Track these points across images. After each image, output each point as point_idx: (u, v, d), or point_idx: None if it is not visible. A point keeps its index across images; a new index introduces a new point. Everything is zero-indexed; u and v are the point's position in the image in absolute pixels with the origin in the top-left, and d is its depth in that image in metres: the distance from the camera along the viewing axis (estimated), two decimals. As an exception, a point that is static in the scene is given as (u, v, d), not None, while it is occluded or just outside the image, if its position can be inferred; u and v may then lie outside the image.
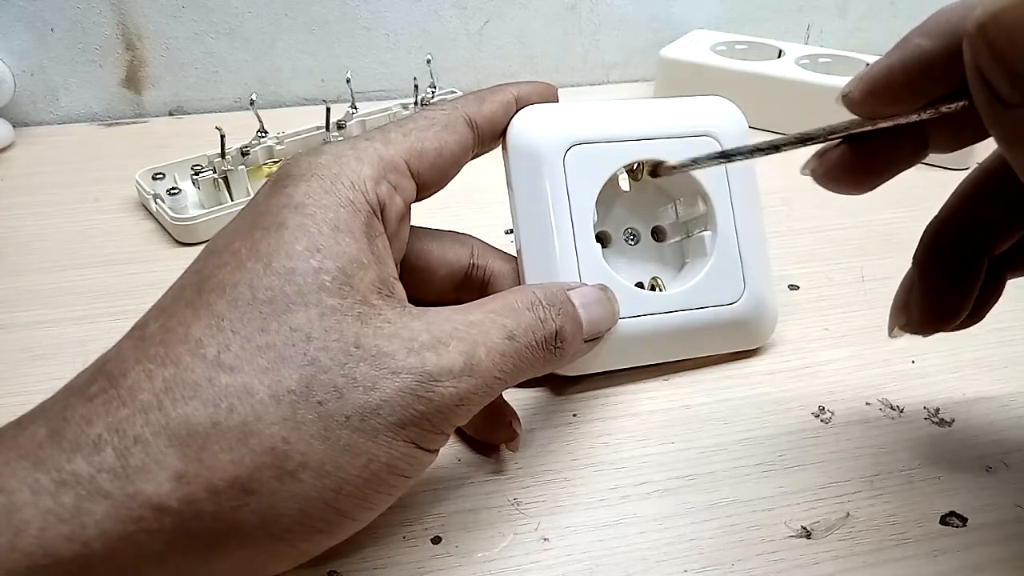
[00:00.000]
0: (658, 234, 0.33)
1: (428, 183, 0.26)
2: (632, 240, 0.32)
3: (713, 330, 0.31)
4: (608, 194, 0.31)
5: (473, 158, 0.28)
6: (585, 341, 0.26)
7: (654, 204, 0.33)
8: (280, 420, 0.19)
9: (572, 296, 0.26)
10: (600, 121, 0.30)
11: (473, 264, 0.29)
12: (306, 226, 0.21)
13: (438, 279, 0.29)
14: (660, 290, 0.31)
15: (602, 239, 0.31)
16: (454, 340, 0.21)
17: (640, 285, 0.31)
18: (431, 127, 0.25)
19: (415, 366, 0.20)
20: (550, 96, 0.30)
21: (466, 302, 0.29)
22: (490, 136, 0.28)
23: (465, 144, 0.26)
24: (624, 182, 0.32)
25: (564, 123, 0.29)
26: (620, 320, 0.28)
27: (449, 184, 0.27)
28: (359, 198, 0.22)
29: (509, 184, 0.29)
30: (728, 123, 0.32)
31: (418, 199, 0.26)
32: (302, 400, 0.19)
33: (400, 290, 0.23)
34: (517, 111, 0.29)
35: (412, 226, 0.27)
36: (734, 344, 0.32)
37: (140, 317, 0.21)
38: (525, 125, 0.29)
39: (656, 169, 0.31)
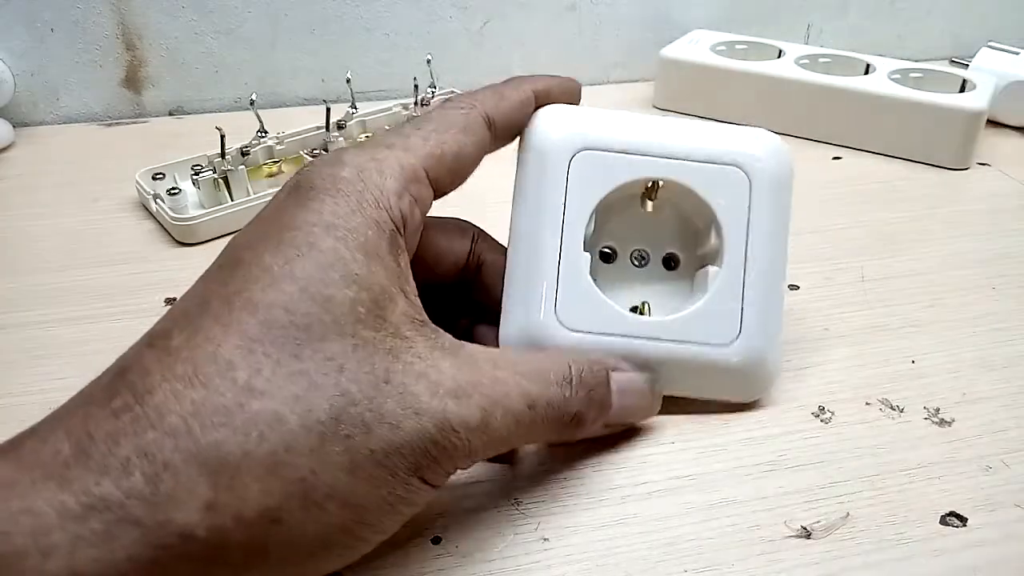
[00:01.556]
0: (671, 262, 0.31)
1: (444, 187, 0.26)
2: (640, 262, 0.31)
3: (696, 371, 0.28)
4: (626, 211, 0.30)
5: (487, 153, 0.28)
6: (605, 426, 0.26)
7: (672, 230, 0.31)
8: (308, 451, 0.19)
9: (614, 379, 0.26)
10: (620, 130, 0.28)
11: (472, 252, 0.29)
12: (339, 251, 0.21)
13: (442, 268, 0.29)
14: (644, 315, 0.29)
15: (607, 255, 0.31)
16: (477, 394, 0.22)
17: (634, 310, 0.29)
18: (449, 129, 0.25)
19: (437, 411, 0.21)
20: (573, 91, 0.29)
21: (468, 285, 0.28)
22: (506, 135, 0.28)
23: (482, 145, 0.26)
24: (649, 205, 0.30)
25: (580, 126, 0.28)
26: (595, 337, 0.27)
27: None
28: (383, 217, 0.22)
29: (516, 176, 0.29)
30: (765, 156, 0.28)
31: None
32: (331, 432, 0.19)
33: (426, 315, 0.23)
34: (538, 107, 0.28)
35: None
36: (720, 392, 0.29)
37: (159, 321, 0.21)
38: (542, 124, 0.28)
39: None
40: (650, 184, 0.29)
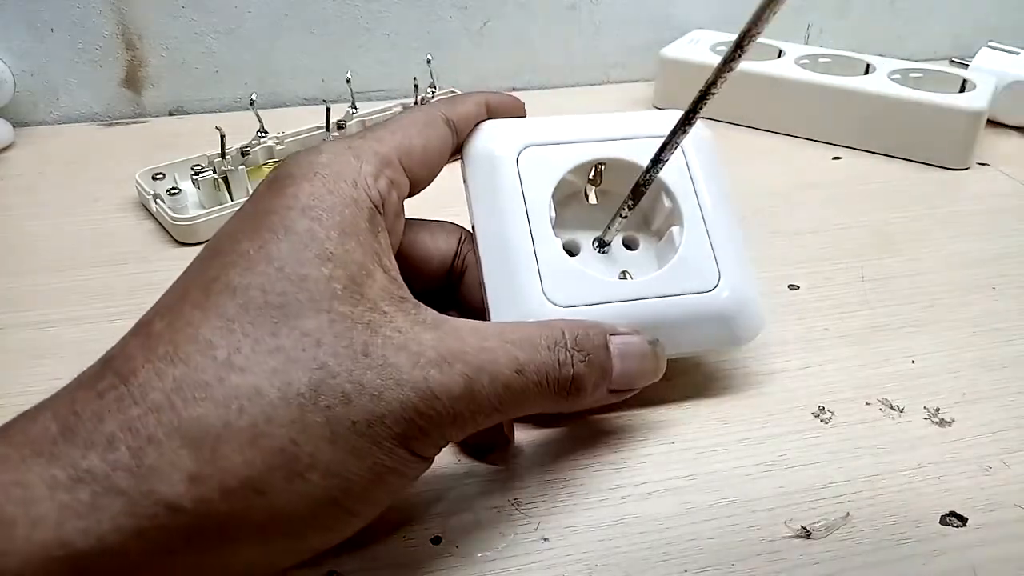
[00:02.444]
0: (629, 243, 0.32)
1: (418, 179, 0.26)
2: (602, 249, 0.31)
3: (691, 323, 0.29)
4: (574, 206, 0.31)
5: (452, 156, 0.29)
6: (611, 391, 0.25)
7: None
8: (288, 422, 0.19)
9: (613, 342, 0.25)
10: (556, 128, 0.31)
11: (458, 255, 0.30)
12: (315, 231, 0.21)
13: (429, 269, 0.29)
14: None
15: (570, 249, 0.31)
16: (460, 362, 0.21)
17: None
18: (414, 125, 0.26)
19: (418, 380, 0.21)
20: (518, 109, 0.31)
21: (455, 287, 0.29)
22: (465, 134, 0.29)
23: (446, 140, 0.27)
24: (592, 195, 0.32)
25: (518, 129, 0.30)
26: (588, 308, 0.28)
27: (447, 188, 0.27)
28: (361, 196, 0.23)
29: (467, 189, 0.30)
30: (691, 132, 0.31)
31: (408, 195, 0.26)
32: (310, 403, 0.19)
33: (407, 291, 0.23)
34: (487, 117, 0.30)
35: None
36: (716, 340, 0.30)
37: (144, 314, 0.21)
38: (481, 134, 0.30)
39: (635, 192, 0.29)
40: (593, 173, 0.31)
